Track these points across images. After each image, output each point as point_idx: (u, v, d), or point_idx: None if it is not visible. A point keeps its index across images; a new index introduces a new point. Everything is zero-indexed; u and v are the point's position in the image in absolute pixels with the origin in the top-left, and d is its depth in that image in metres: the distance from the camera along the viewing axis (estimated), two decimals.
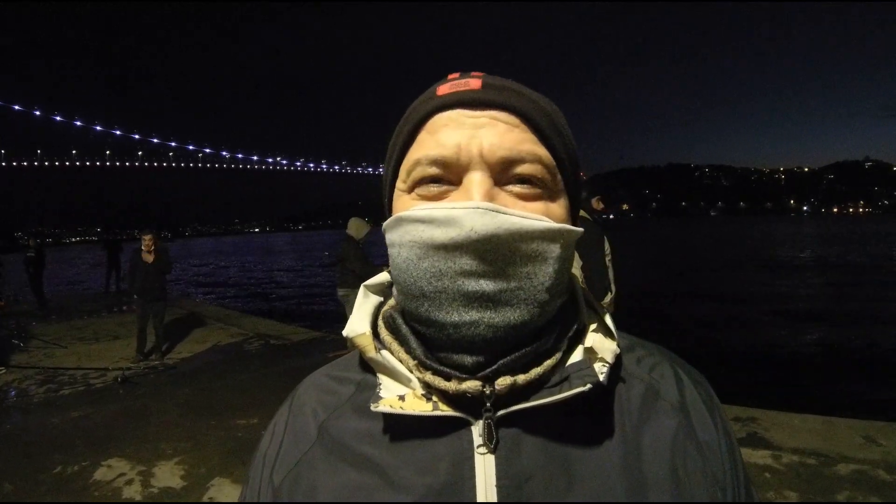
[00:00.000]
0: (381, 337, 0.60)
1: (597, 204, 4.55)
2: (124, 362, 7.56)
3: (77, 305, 13.75)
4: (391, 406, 0.53)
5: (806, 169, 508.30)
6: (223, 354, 8.10)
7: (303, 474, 0.57)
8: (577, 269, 4.27)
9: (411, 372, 0.56)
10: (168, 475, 4.07)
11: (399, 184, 0.59)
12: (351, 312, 0.63)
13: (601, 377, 0.53)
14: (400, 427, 0.55)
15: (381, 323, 0.62)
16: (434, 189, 0.55)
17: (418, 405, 0.53)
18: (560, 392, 0.52)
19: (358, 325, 0.61)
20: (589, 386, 0.51)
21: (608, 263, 4.53)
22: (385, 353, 0.57)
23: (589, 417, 0.55)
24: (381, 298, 0.66)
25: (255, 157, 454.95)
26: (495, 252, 0.50)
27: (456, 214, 0.49)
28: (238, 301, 20.51)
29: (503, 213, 0.50)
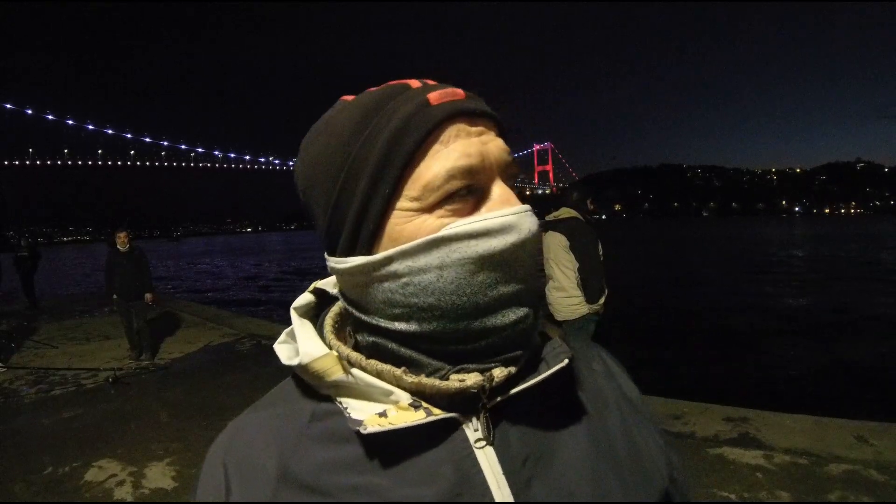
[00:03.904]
0: (347, 356, 0.55)
1: (590, 205, 4.55)
2: (115, 363, 7.52)
3: (68, 305, 13.67)
4: (380, 425, 0.50)
5: (798, 170, 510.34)
6: (215, 355, 8.05)
7: None
8: (573, 270, 4.27)
9: (398, 381, 0.53)
10: (159, 476, 4.05)
11: (407, 203, 0.52)
12: None
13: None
14: (384, 445, 0.52)
15: (337, 343, 0.57)
16: (468, 202, 0.52)
17: (407, 416, 0.51)
18: (541, 372, 0.55)
19: (315, 348, 0.56)
20: (566, 361, 0.55)
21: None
22: (357, 371, 0.53)
23: (555, 394, 0.59)
24: (311, 323, 0.62)
25: (248, 157, 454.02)
26: (539, 249, 0.55)
27: (511, 220, 0.51)
28: (230, 301, 20.46)
29: (533, 213, 0.55)
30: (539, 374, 0.54)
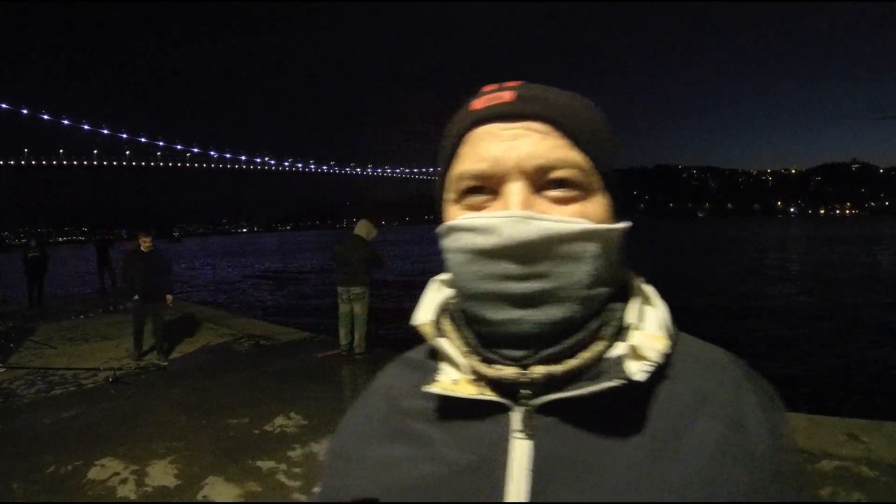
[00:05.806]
0: (441, 326, 0.65)
1: None
2: (114, 363, 7.55)
3: (67, 306, 13.66)
4: (443, 388, 0.59)
5: (793, 171, 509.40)
6: (214, 355, 8.11)
7: (363, 443, 0.65)
8: None
9: (463, 358, 0.60)
10: (161, 474, 4.09)
11: (447, 194, 0.63)
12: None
13: (637, 374, 0.53)
14: (451, 408, 0.60)
15: (442, 313, 0.67)
16: (477, 199, 0.58)
17: (467, 389, 0.58)
18: (592, 385, 0.53)
19: (423, 314, 0.67)
20: (620, 382, 0.52)
21: None
22: (442, 340, 0.63)
23: (628, 413, 0.55)
24: (453, 291, 0.67)
25: (243, 157, 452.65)
26: (532, 255, 0.53)
27: (494, 223, 0.54)
28: (228, 301, 20.45)
29: (537, 219, 0.53)
30: (584, 388, 0.53)
